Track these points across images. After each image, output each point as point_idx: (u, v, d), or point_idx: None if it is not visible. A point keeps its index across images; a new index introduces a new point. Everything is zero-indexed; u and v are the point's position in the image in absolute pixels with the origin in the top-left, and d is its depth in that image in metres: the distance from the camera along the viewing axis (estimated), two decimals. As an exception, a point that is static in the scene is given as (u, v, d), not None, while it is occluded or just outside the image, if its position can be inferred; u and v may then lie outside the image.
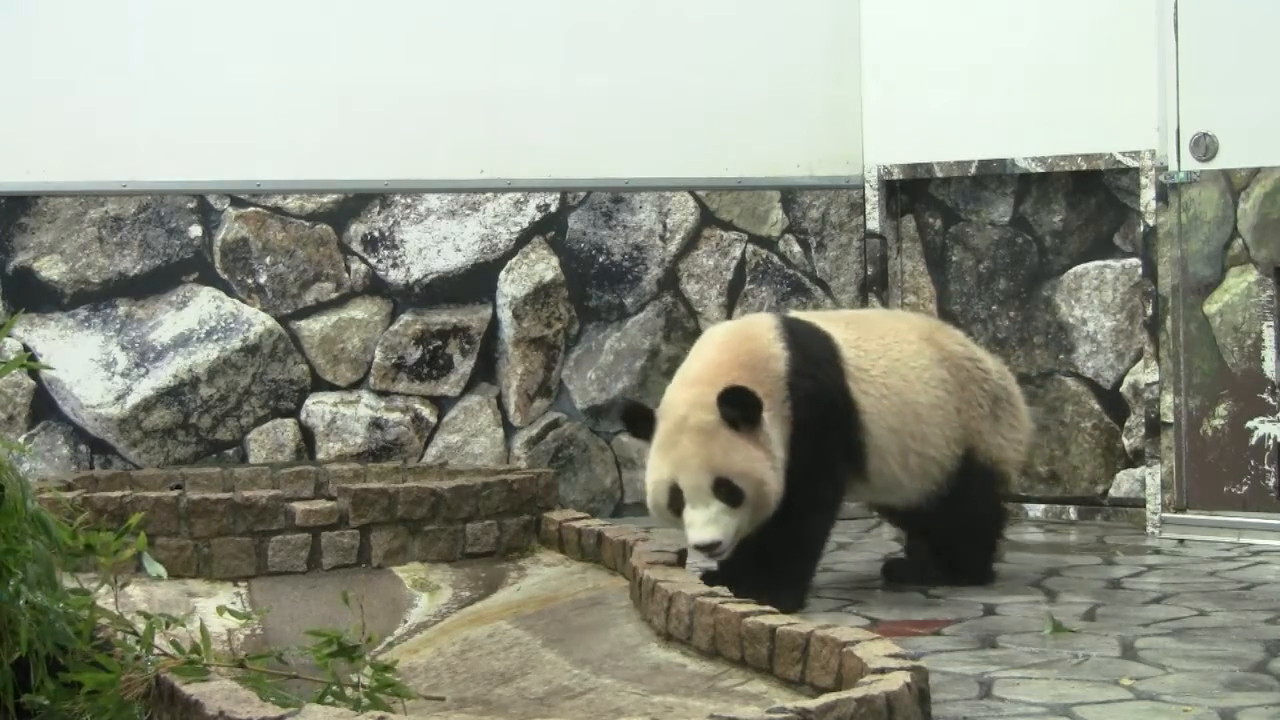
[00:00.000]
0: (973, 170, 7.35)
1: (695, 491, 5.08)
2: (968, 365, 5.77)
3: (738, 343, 5.33)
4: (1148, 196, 6.89)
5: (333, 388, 7.07)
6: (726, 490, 5.07)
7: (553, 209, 7.32)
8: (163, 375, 6.86)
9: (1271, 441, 6.66)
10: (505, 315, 7.25)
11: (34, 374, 6.75)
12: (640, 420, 5.23)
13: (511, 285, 7.26)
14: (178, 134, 6.93)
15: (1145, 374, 6.94)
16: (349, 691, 4.07)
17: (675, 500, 5.13)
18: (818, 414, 5.28)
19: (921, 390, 5.53)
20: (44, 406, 6.79)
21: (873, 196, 7.59)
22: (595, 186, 7.37)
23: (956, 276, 7.49)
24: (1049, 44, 7.20)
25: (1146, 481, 6.91)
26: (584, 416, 7.33)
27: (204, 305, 6.94)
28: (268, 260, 7.01)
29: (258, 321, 6.99)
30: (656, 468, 5.17)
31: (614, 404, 7.33)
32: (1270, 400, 6.67)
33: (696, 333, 7.41)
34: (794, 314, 5.74)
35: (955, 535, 5.71)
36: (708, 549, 5.11)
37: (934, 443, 5.56)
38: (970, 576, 5.74)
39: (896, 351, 5.57)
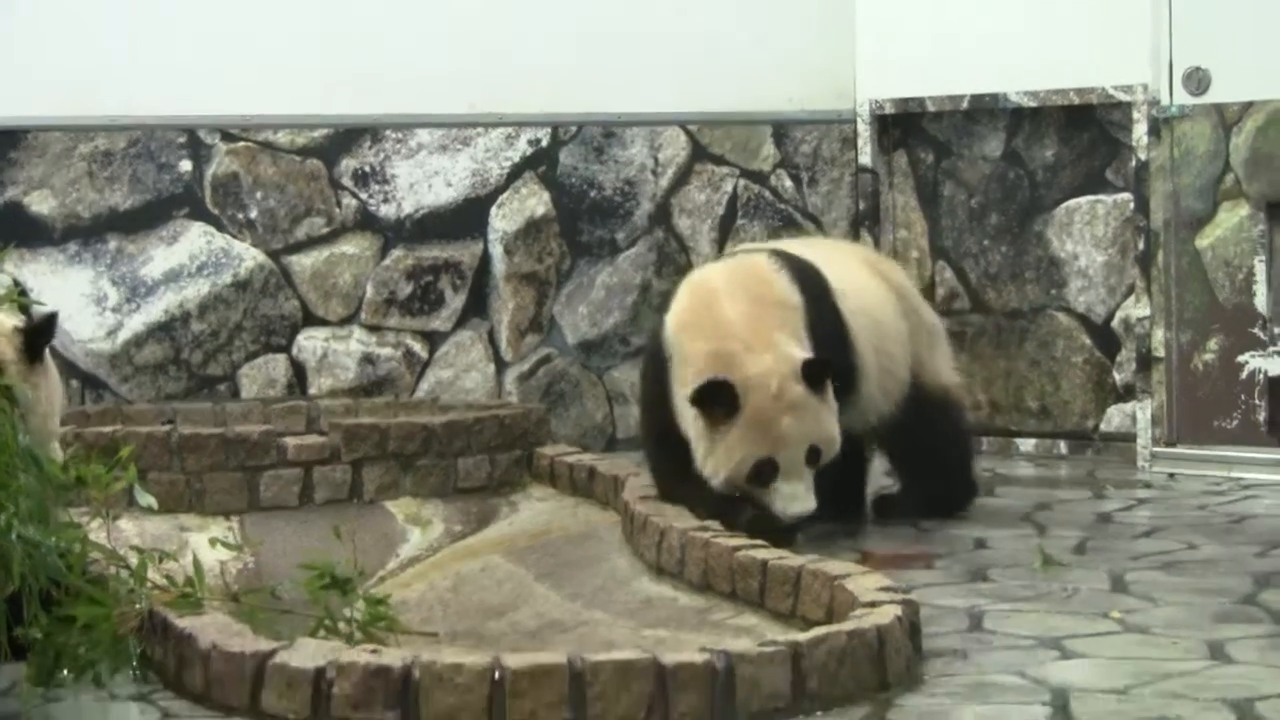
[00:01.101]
0: (965, 105, 7.33)
1: (793, 464, 5.05)
2: (909, 294, 5.94)
3: (758, 289, 5.26)
4: (1140, 131, 6.88)
5: (324, 323, 7.06)
6: (814, 455, 5.09)
7: (544, 144, 7.30)
8: (154, 310, 6.85)
9: (1262, 376, 6.67)
10: (496, 250, 7.23)
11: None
12: (721, 399, 5.00)
13: (503, 220, 7.24)
14: (168, 68, 6.89)
15: (1136, 309, 6.94)
16: (341, 625, 4.09)
17: (762, 472, 5.02)
18: (831, 347, 5.29)
19: (883, 312, 5.61)
20: (35, 342, 6.77)
21: (865, 131, 7.57)
22: (586, 121, 7.34)
23: (948, 211, 7.48)
24: (1042, -23, 7.18)
25: (1137, 416, 6.92)
26: (575, 351, 7.33)
27: (195, 240, 6.92)
28: (258, 195, 6.99)
29: (249, 257, 6.97)
30: (749, 442, 5.00)
31: (605, 338, 7.33)
32: (1261, 335, 6.67)
33: (688, 268, 7.41)
34: (774, 246, 5.71)
35: (926, 463, 5.74)
36: (806, 516, 5.10)
37: (899, 363, 5.68)
38: (949, 503, 5.78)
39: (859, 277, 5.63)
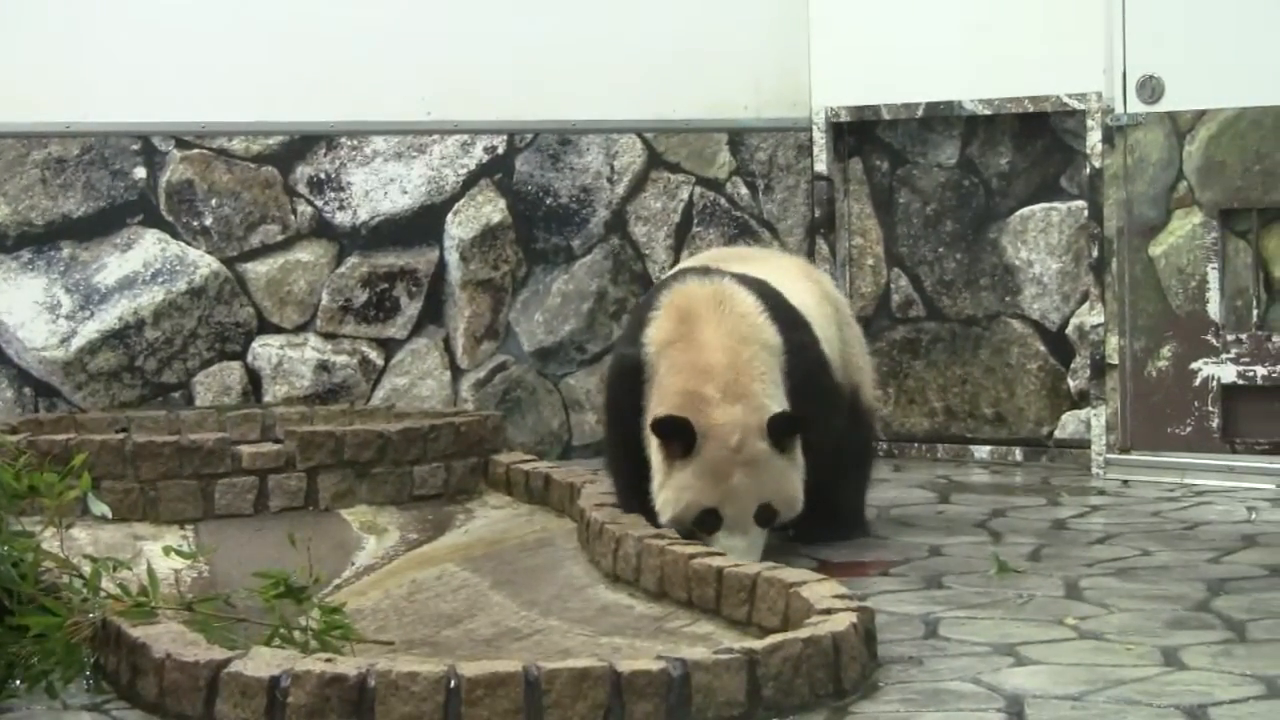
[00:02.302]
0: (920, 112, 7.36)
1: (737, 519, 4.91)
2: (843, 308, 5.84)
3: (743, 328, 5.08)
4: (1094, 139, 6.91)
5: (279, 330, 7.05)
6: (765, 513, 4.94)
7: (500, 151, 7.29)
8: (108, 318, 6.82)
9: (1215, 383, 6.71)
10: (452, 258, 7.23)
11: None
12: (679, 436, 4.87)
13: (459, 227, 7.23)
14: (121, 75, 6.87)
15: (1090, 316, 6.96)
16: (296, 634, 4.07)
17: (706, 521, 4.89)
18: (811, 389, 5.20)
19: (828, 327, 5.53)
20: (-12, 349, 6.75)
21: (820, 139, 7.59)
22: (542, 129, 7.34)
23: (903, 219, 7.50)
24: (996, -14, 7.21)
25: (1091, 423, 6.94)
26: (531, 359, 7.33)
27: (149, 247, 6.89)
28: (213, 202, 6.97)
29: (203, 264, 6.95)
30: (697, 490, 4.88)
31: (561, 345, 7.34)
32: (1214, 342, 6.70)
33: (644, 276, 7.43)
34: (731, 269, 5.40)
35: (838, 482, 5.42)
36: None
37: (845, 387, 5.58)
38: (850, 527, 5.60)
39: (804, 292, 5.55)
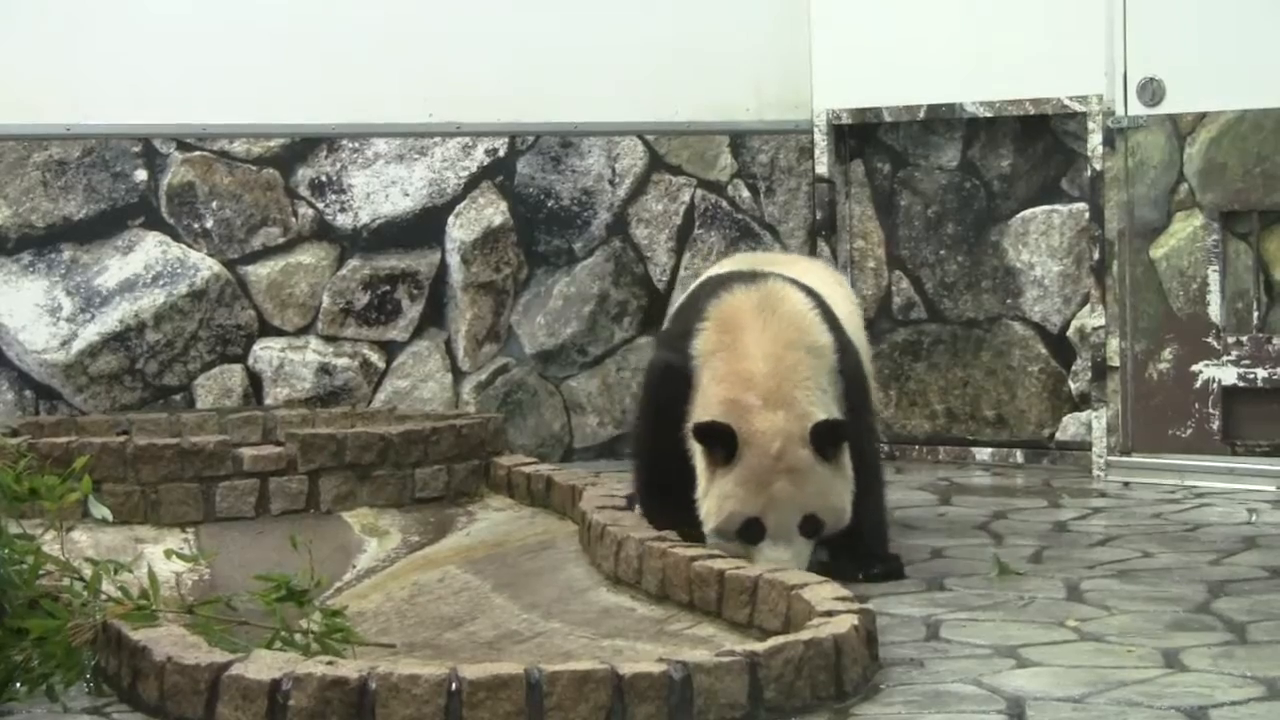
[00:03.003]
0: (921, 115, 7.36)
1: (781, 529, 4.77)
2: (859, 312, 5.74)
3: (784, 331, 4.95)
4: (1095, 141, 6.91)
5: (280, 333, 7.05)
6: (810, 525, 4.79)
7: (501, 153, 7.29)
8: (109, 320, 6.82)
9: (1216, 385, 6.71)
10: (454, 260, 7.23)
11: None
12: (721, 442, 4.76)
13: (460, 230, 7.23)
14: (122, 77, 6.87)
15: (1091, 318, 6.96)
16: (297, 637, 4.07)
17: (750, 531, 4.76)
18: (857, 392, 5.11)
19: (858, 332, 5.46)
20: (-11, 352, 6.76)
21: (821, 141, 7.58)
22: (544, 131, 7.34)
23: (905, 221, 7.50)
24: (997, -12, 7.21)
25: (1092, 425, 6.94)
26: (533, 361, 7.33)
27: (150, 250, 6.89)
28: (214, 205, 6.97)
29: (204, 266, 6.95)
30: (740, 499, 4.75)
31: (562, 348, 7.34)
32: (1215, 344, 6.70)
33: (646, 278, 7.43)
34: (777, 266, 5.33)
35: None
36: None
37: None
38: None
39: (840, 298, 5.51)
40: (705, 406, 4.85)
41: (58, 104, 6.81)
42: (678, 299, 7.32)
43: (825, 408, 4.87)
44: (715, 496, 4.79)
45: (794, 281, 5.15)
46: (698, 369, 4.95)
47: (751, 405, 4.79)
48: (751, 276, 5.14)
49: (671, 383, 5.02)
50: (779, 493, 4.75)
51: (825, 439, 4.78)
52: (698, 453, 4.86)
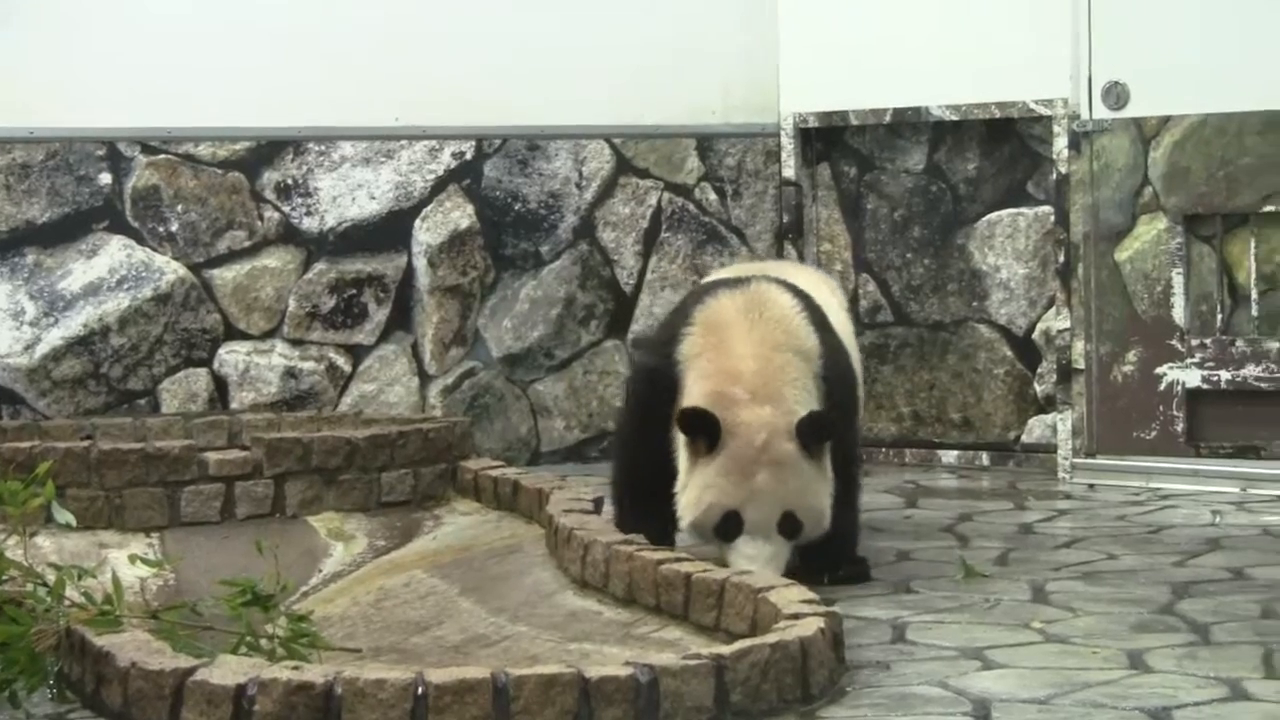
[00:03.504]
0: (887, 118, 7.37)
1: (759, 524, 4.72)
2: (849, 318, 5.70)
3: (771, 332, 4.92)
4: (1060, 144, 6.93)
5: (246, 337, 7.03)
6: (790, 524, 4.74)
7: (468, 156, 7.29)
8: (73, 324, 6.80)
9: (1180, 387, 6.73)
10: (420, 263, 7.22)
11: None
12: (705, 430, 4.71)
13: (427, 233, 7.23)
14: (86, 80, 6.85)
15: (1057, 321, 6.98)
16: (263, 642, 4.06)
17: (727, 526, 4.72)
18: (843, 396, 5.08)
19: (849, 338, 5.43)
20: (-47, 357, 6.73)
21: (788, 144, 7.59)
22: (510, 134, 7.34)
23: (871, 224, 7.51)
24: (963, -8, 7.23)
25: (1058, 427, 6.96)
26: (500, 365, 7.32)
27: (114, 254, 6.87)
28: (179, 208, 6.95)
29: (169, 270, 6.93)
30: (720, 490, 4.72)
31: (529, 351, 7.33)
32: (1179, 347, 6.73)
33: (613, 281, 7.43)
34: (769, 273, 5.31)
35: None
36: None
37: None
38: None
39: (833, 305, 5.49)
40: (691, 400, 4.82)
41: (21, 107, 6.79)
42: (644, 302, 7.36)
43: (811, 407, 4.83)
44: (695, 487, 4.76)
45: (781, 283, 5.13)
46: (683, 373, 4.92)
47: (738, 398, 4.76)
48: (737, 281, 5.12)
49: (656, 387, 4.99)
50: (760, 485, 4.72)
51: (811, 433, 4.75)
52: (680, 445, 4.84)
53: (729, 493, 4.72)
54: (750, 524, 4.73)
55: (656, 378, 5.01)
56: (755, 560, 4.67)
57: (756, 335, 4.90)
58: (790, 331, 4.94)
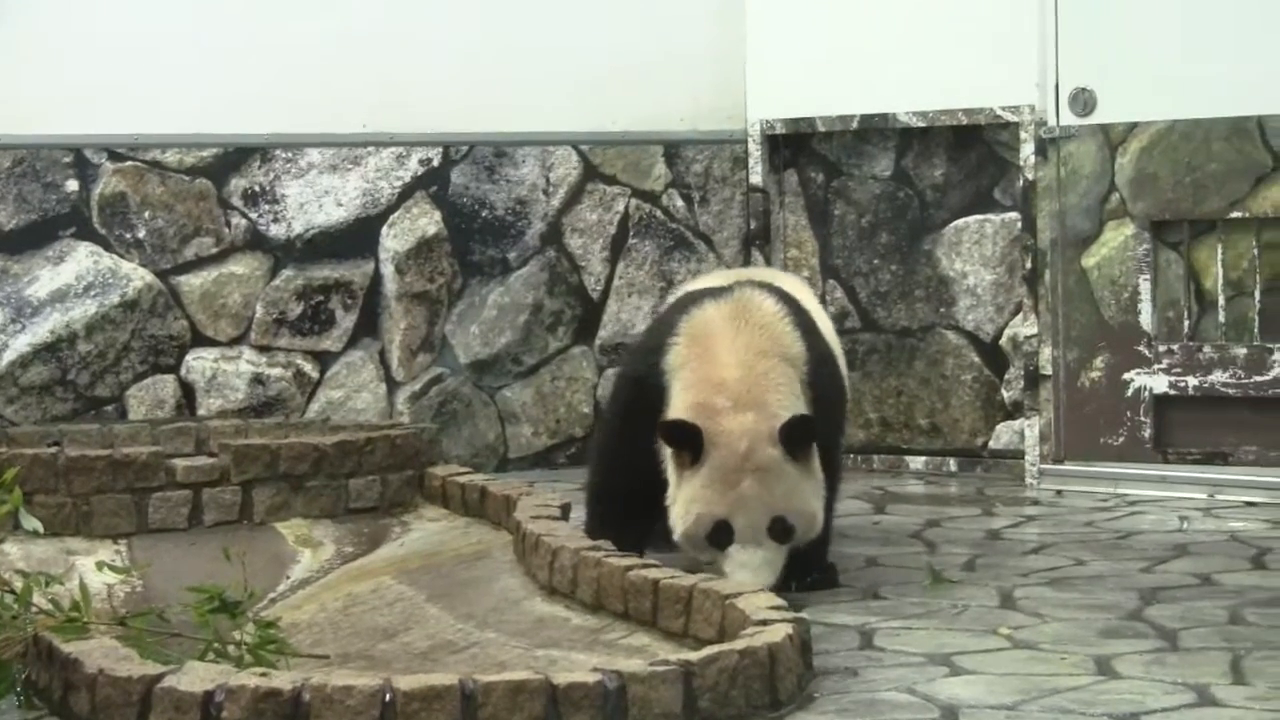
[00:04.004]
0: (854, 124, 7.38)
1: (749, 532, 4.69)
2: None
3: (756, 339, 4.89)
4: (1027, 151, 6.95)
5: (213, 343, 7.01)
6: (780, 529, 4.71)
7: (435, 163, 7.28)
8: (40, 331, 6.77)
9: (1147, 393, 6.75)
10: (388, 270, 7.21)
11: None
12: (687, 441, 4.70)
13: (394, 240, 7.22)
14: (52, 87, 6.82)
15: (1024, 327, 7.00)
16: (231, 649, 4.06)
17: (718, 535, 4.69)
18: (830, 401, 5.07)
19: (834, 344, 5.42)
20: (-82, 363, 6.70)
21: (755, 150, 7.61)
22: (478, 141, 7.34)
23: (839, 230, 7.53)
24: (930, -1, 7.25)
25: (1025, 433, 6.98)
26: (467, 371, 7.32)
27: (82, 260, 6.85)
28: (146, 215, 6.93)
29: (137, 277, 6.91)
30: (706, 500, 4.69)
31: (497, 358, 7.33)
32: (1146, 353, 6.75)
33: (580, 288, 7.44)
34: (758, 279, 5.27)
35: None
36: None
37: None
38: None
39: (818, 310, 5.48)
40: (674, 412, 4.80)
41: (-12, 114, 6.77)
42: (612, 308, 7.36)
43: (796, 412, 4.80)
44: (683, 500, 4.74)
45: (767, 287, 5.12)
46: (669, 383, 4.89)
47: (721, 407, 4.74)
48: (721, 289, 5.08)
49: (641, 397, 4.96)
50: (746, 492, 4.68)
51: (795, 437, 4.72)
52: (668, 457, 4.81)
53: (716, 502, 4.70)
54: (740, 531, 4.69)
55: (641, 389, 4.98)
56: (748, 567, 4.66)
57: (741, 342, 4.87)
58: (775, 338, 4.92)
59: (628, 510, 4.98)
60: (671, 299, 5.53)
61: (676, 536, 4.77)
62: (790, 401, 4.83)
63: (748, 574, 4.64)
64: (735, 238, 7.66)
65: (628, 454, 4.98)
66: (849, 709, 3.79)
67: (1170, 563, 5.38)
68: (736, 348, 4.86)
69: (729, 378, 4.80)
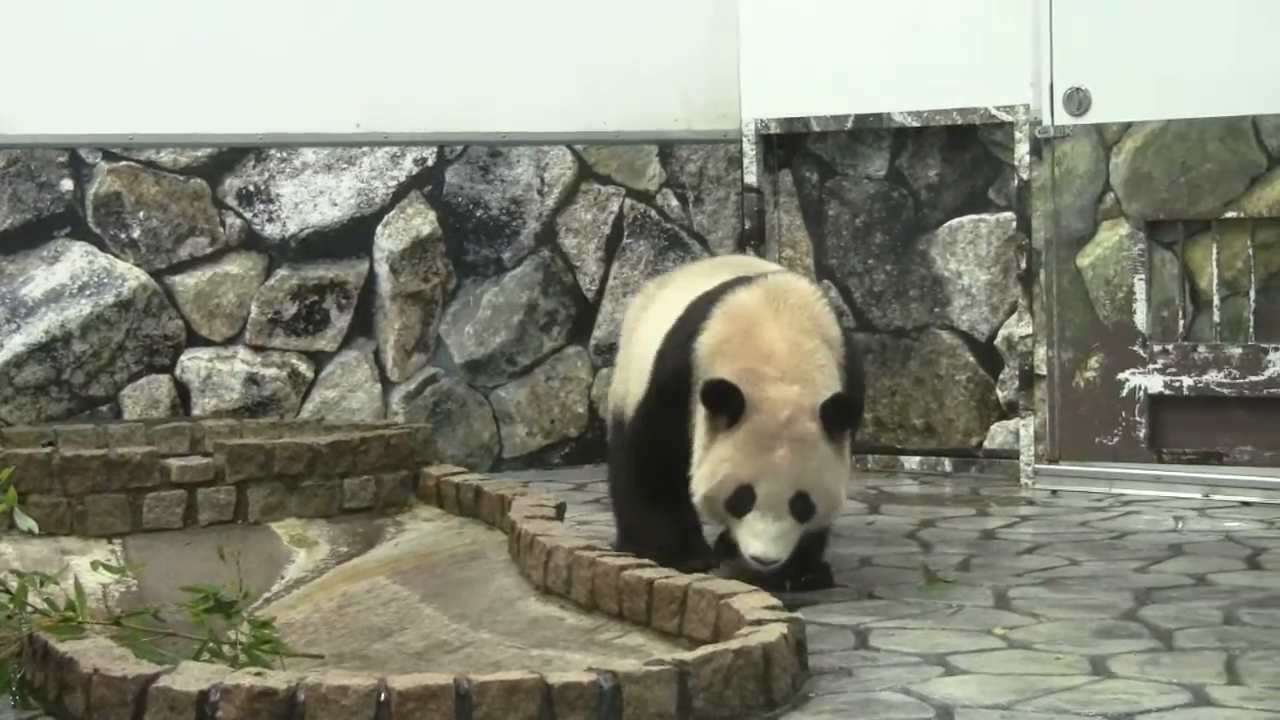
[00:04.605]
0: (849, 124, 7.38)
1: (772, 500, 4.66)
2: None
3: (804, 320, 4.87)
4: (1022, 151, 6.95)
5: (208, 343, 7.01)
6: (803, 505, 4.69)
7: (430, 163, 7.28)
8: (34, 331, 6.77)
9: (1142, 393, 6.75)
10: (382, 270, 7.21)
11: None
12: (727, 402, 4.65)
13: (388, 240, 7.22)
14: (47, 86, 6.82)
15: (1019, 327, 7.01)
16: (226, 648, 4.06)
17: (739, 500, 4.67)
18: (858, 386, 5.08)
19: None
20: (-88, 363, 6.70)
21: (750, 150, 7.61)
22: (472, 140, 7.33)
23: (833, 230, 7.53)
24: (925, -1, 7.25)
25: (1020, 433, 6.98)
26: (462, 371, 7.31)
27: (76, 260, 6.85)
28: (141, 215, 6.93)
29: (131, 277, 6.91)
30: (735, 462, 4.66)
31: (491, 358, 7.33)
32: (1141, 352, 6.75)
33: (575, 288, 7.44)
34: (776, 270, 5.30)
35: None
36: (768, 564, 4.68)
37: None
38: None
39: None
40: (716, 375, 4.73)
41: (-18, 113, 6.77)
42: (607, 309, 7.36)
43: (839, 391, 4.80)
44: (711, 460, 4.70)
45: (794, 273, 5.12)
46: (704, 362, 4.83)
47: (767, 375, 4.71)
48: (749, 278, 5.05)
49: (673, 379, 4.91)
50: (778, 460, 4.66)
51: (836, 416, 4.71)
52: (699, 420, 4.76)
53: (745, 466, 4.67)
54: (762, 499, 4.66)
55: (672, 367, 4.93)
56: (762, 537, 4.66)
57: (785, 320, 4.85)
58: (815, 318, 4.92)
59: (669, 490, 4.87)
60: (679, 299, 5.29)
61: (696, 499, 4.74)
62: (832, 383, 4.81)
63: (761, 544, 4.65)
64: (730, 238, 7.66)
65: (662, 435, 4.91)
66: (844, 709, 3.79)
67: (1165, 563, 5.38)
68: (780, 324, 4.84)
69: (777, 350, 4.77)
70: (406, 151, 7.24)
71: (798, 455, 4.67)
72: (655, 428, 5.00)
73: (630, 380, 5.25)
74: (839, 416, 4.73)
